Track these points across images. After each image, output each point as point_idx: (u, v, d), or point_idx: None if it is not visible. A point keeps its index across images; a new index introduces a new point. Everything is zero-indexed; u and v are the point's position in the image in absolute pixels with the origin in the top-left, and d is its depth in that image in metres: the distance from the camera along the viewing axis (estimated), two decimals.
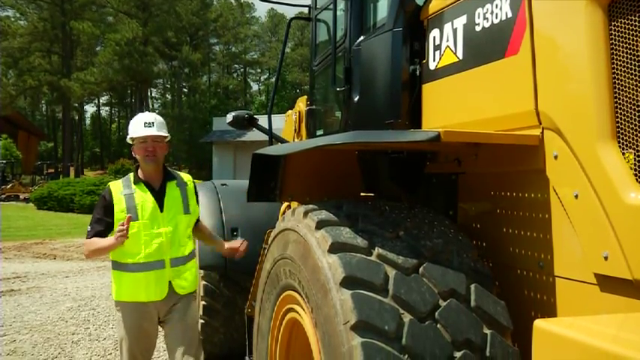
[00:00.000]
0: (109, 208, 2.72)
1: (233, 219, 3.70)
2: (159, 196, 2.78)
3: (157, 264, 2.72)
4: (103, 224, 2.73)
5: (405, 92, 2.13)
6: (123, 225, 2.59)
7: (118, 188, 2.78)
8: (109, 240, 2.66)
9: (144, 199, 2.74)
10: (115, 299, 2.84)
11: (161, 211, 2.75)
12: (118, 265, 2.77)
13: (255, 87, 62.65)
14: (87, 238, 2.76)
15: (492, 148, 1.77)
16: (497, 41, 1.74)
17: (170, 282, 2.75)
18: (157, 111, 51.26)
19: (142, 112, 3.03)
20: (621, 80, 1.43)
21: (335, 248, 1.61)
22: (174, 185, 2.85)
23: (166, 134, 2.83)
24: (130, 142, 2.83)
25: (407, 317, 1.47)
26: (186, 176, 2.98)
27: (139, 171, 2.82)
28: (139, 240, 2.68)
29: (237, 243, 3.03)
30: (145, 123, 2.75)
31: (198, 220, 3.02)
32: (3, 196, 25.20)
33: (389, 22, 2.18)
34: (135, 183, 2.78)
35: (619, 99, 1.43)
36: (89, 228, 2.76)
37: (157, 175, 2.82)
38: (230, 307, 3.64)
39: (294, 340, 2.13)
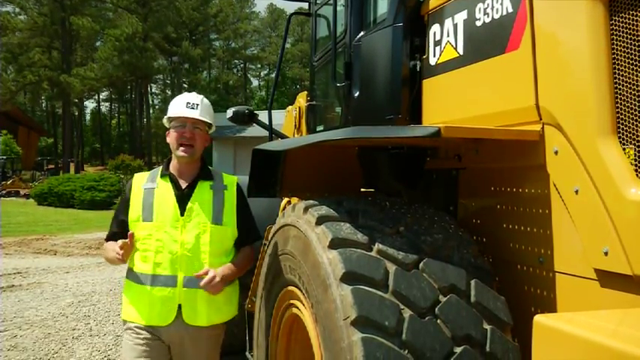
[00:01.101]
0: (127, 203, 2.30)
1: None
2: (183, 196, 2.24)
3: (166, 280, 2.18)
4: (118, 224, 2.32)
5: (405, 88, 2.13)
6: (125, 242, 2.13)
7: (141, 180, 2.32)
8: (111, 251, 2.22)
9: (164, 196, 2.24)
10: (122, 317, 2.32)
11: (182, 214, 2.22)
12: (128, 272, 2.30)
13: (255, 82, 62.61)
14: (105, 239, 2.39)
15: (493, 144, 1.77)
16: (497, 37, 1.74)
17: (180, 306, 2.18)
18: (157, 107, 51.22)
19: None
20: (622, 75, 1.42)
21: (335, 244, 1.61)
22: (208, 187, 2.29)
23: (211, 121, 2.32)
24: (166, 125, 2.33)
25: (407, 313, 1.47)
26: (230, 179, 2.38)
27: (171, 163, 2.32)
28: (150, 246, 2.19)
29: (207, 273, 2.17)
30: (188, 103, 2.25)
31: (244, 242, 2.36)
32: (3, 191, 25.19)
33: (389, 18, 2.17)
34: (161, 176, 2.29)
35: (619, 94, 1.43)
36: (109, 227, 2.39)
37: (190, 170, 2.29)
38: None
39: (294, 335, 2.13)
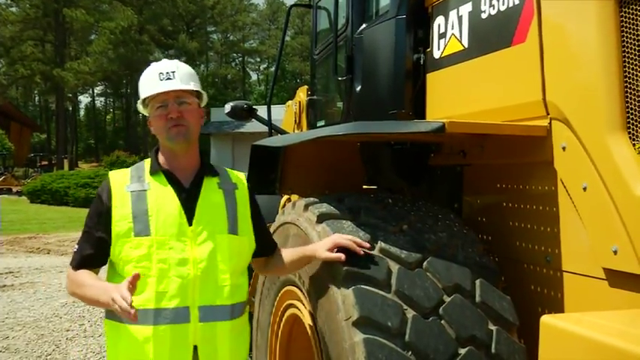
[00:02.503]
0: (105, 214, 1.64)
1: None
2: (189, 199, 1.66)
3: (175, 314, 1.57)
4: (94, 244, 1.66)
5: (408, 82, 2.12)
6: (131, 285, 1.44)
7: (122, 181, 1.68)
8: (104, 292, 1.50)
9: (163, 200, 1.64)
10: None
11: (190, 224, 1.63)
12: (113, 312, 1.57)
13: (254, 76, 62.41)
14: (71, 265, 1.70)
15: (499, 140, 1.75)
16: (503, 29, 1.72)
17: (196, 348, 1.59)
18: None
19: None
20: (631, 69, 1.41)
21: None
22: (216, 186, 1.71)
23: (199, 88, 1.71)
24: (144, 112, 1.75)
25: (410, 313, 1.46)
26: (238, 176, 1.80)
27: (159, 155, 1.72)
28: (149, 269, 1.58)
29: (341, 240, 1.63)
30: (161, 75, 1.65)
31: (267, 250, 1.82)
32: None
33: (392, 10, 2.15)
34: (152, 173, 1.69)
35: (629, 89, 1.41)
36: (75, 247, 1.72)
37: (189, 162, 1.71)
38: None
39: (294, 336, 2.11)
